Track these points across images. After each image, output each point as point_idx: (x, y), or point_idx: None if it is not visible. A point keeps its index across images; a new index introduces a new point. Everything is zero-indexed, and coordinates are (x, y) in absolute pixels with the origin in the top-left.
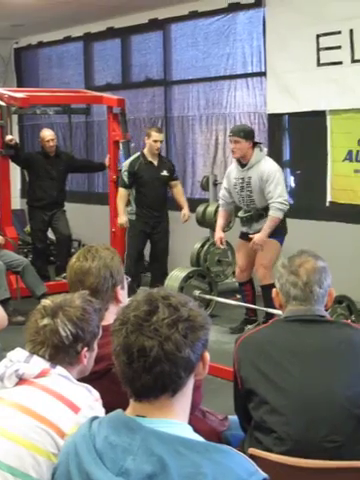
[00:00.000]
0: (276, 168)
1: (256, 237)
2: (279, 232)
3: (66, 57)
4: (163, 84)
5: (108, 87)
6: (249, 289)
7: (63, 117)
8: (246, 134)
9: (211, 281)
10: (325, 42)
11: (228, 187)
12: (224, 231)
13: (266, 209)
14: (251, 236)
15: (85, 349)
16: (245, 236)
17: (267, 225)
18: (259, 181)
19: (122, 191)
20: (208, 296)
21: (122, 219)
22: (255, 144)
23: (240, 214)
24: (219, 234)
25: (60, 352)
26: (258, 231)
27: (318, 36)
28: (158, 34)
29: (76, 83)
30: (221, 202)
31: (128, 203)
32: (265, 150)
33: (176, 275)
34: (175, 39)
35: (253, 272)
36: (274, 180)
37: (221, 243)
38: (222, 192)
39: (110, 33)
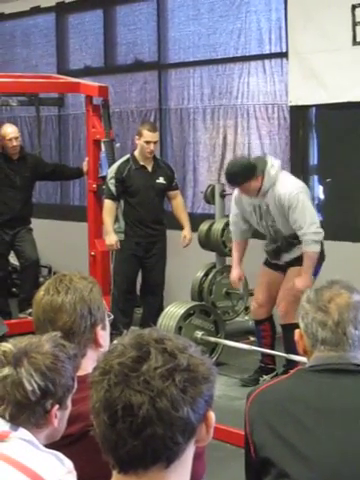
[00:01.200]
0: (297, 188)
1: (298, 282)
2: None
3: (34, 33)
4: (156, 68)
5: (87, 71)
6: (268, 329)
7: (29, 110)
8: (245, 176)
9: (217, 320)
10: None
11: (240, 213)
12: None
13: (296, 236)
14: (296, 281)
15: (56, 407)
16: (273, 265)
17: (306, 265)
18: (279, 208)
19: (109, 203)
20: (213, 339)
21: (111, 238)
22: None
23: (266, 248)
24: (237, 271)
25: (24, 411)
26: (290, 262)
27: (354, 7)
28: (150, 4)
29: (46, 66)
30: (234, 231)
31: (115, 219)
32: (275, 164)
33: (172, 312)
34: (172, 10)
35: (274, 307)
36: (298, 205)
37: (238, 283)
38: (232, 219)
39: (89, 2)
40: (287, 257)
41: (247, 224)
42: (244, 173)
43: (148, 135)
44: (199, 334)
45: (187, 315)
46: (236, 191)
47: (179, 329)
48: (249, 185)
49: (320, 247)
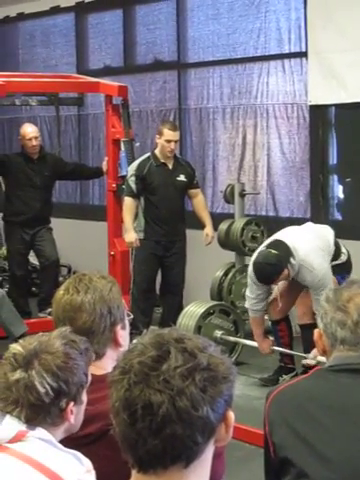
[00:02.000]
0: (318, 272)
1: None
2: (342, 270)
3: (53, 33)
4: (176, 67)
5: (106, 71)
6: (284, 329)
7: (49, 109)
8: (278, 271)
9: (237, 319)
10: None
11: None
12: None
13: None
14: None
15: (71, 404)
16: None
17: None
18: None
19: (129, 201)
20: (233, 338)
21: (131, 236)
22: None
23: None
24: (264, 343)
25: (40, 412)
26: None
27: None
28: (170, 3)
29: (66, 66)
30: (254, 306)
31: (135, 217)
32: (294, 252)
33: (192, 311)
34: (191, 10)
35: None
36: (320, 289)
37: (270, 351)
38: (255, 293)
39: (109, 2)
40: None
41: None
42: (272, 272)
43: (169, 134)
44: (219, 334)
45: (207, 314)
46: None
47: (198, 328)
48: (282, 277)
49: (347, 254)
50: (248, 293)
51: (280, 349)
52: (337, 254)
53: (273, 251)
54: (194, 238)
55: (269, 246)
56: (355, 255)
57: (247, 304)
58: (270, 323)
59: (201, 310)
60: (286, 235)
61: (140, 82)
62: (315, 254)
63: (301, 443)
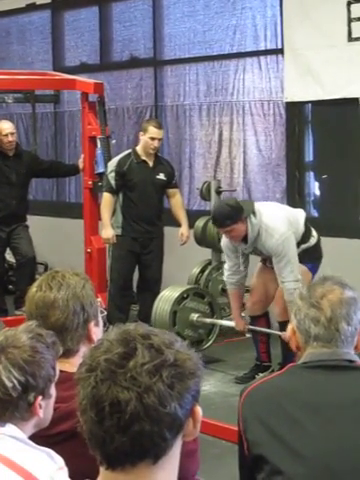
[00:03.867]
0: (280, 235)
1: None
2: (311, 257)
3: (29, 30)
4: (152, 64)
5: (82, 68)
6: (263, 325)
7: (25, 107)
8: (233, 217)
9: (212, 302)
10: (359, 11)
11: (238, 255)
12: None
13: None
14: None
15: (39, 398)
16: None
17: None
18: (267, 252)
19: (107, 197)
20: (209, 320)
21: (108, 233)
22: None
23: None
24: (239, 321)
25: (8, 407)
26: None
27: (349, 3)
28: (146, 0)
29: (42, 63)
30: (233, 281)
31: (112, 213)
32: (258, 213)
33: (167, 296)
34: (167, 7)
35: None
36: (282, 254)
37: (245, 330)
38: (230, 268)
39: None
40: None
41: (244, 265)
42: (231, 214)
43: (154, 131)
44: (195, 316)
45: (181, 299)
46: (224, 239)
47: (174, 313)
48: (238, 227)
49: (317, 238)
50: (225, 265)
51: (256, 328)
52: (306, 236)
53: (237, 200)
54: (171, 235)
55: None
56: (331, 252)
57: (224, 276)
58: (249, 319)
59: (176, 294)
60: (257, 203)
61: (116, 79)
62: (280, 221)
63: (275, 440)
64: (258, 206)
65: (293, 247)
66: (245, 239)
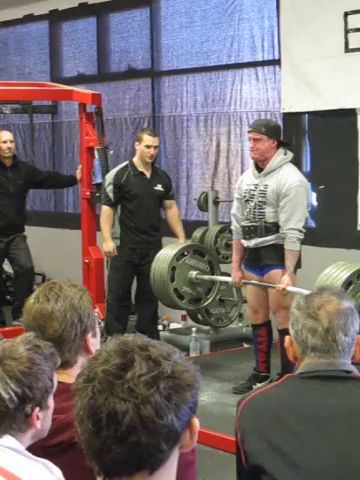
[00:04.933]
0: (300, 181)
1: (285, 282)
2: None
3: (27, 41)
4: (150, 75)
5: (80, 79)
6: (264, 334)
7: (23, 117)
8: (269, 130)
9: (212, 260)
10: (356, 22)
11: (241, 206)
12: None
13: (276, 224)
14: (278, 287)
15: (36, 409)
16: (252, 267)
17: (290, 261)
18: (276, 193)
19: (106, 210)
20: (207, 277)
21: (109, 246)
22: (280, 144)
23: (244, 223)
24: (238, 273)
25: (4, 418)
26: (258, 246)
27: (346, 14)
28: (144, 11)
29: (40, 74)
30: (235, 229)
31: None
32: (290, 155)
33: (165, 254)
34: (165, 18)
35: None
36: (294, 199)
37: (239, 283)
38: (234, 211)
39: (83, 10)
40: (259, 240)
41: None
42: (269, 125)
43: (148, 139)
44: (193, 274)
45: (180, 255)
46: (242, 176)
47: (173, 269)
48: (264, 142)
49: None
50: (231, 210)
51: (251, 282)
52: None
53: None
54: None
55: None
56: (328, 262)
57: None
58: (252, 328)
59: (174, 251)
60: None
61: (114, 90)
62: (301, 188)
63: (273, 450)
64: (289, 154)
65: (305, 197)
66: (261, 171)
